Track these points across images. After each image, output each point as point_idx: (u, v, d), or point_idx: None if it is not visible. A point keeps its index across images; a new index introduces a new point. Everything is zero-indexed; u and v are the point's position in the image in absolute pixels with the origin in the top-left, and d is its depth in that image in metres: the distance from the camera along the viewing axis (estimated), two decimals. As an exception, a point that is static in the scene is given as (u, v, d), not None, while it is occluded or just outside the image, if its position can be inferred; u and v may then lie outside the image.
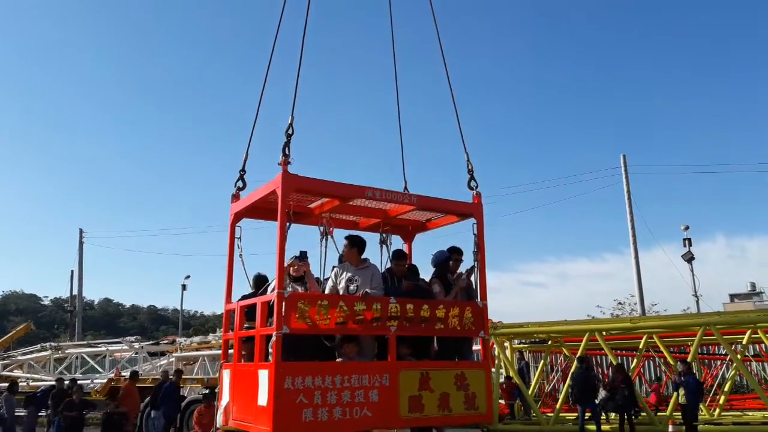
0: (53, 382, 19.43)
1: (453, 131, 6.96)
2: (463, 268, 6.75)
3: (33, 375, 23.84)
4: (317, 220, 6.89)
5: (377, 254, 7.02)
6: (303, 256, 5.85)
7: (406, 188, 7.18)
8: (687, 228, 28.97)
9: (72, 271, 37.53)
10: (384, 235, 7.08)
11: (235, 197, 6.63)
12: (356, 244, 6.10)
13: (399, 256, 6.40)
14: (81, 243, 35.83)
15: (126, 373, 21.58)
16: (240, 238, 6.57)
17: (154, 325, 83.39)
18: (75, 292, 37.86)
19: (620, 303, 35.17)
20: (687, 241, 28.94)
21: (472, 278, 6.57)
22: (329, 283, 6.17)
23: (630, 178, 28.70)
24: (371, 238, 7.18)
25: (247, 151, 6.66)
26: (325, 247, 6.60)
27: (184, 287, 37.13)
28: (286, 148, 5.56)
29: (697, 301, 29.14)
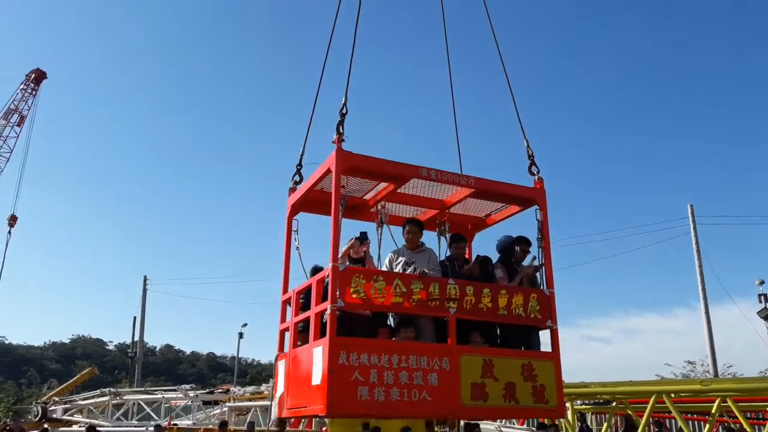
0: (111, 428, 19.50)
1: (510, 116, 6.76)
2: (527, 262, 6.41)
3: (92, 420, 24.20)
4: (372, 216, 6.78)
5: (436, 246, 6.78)
6: (363, 237, 5.73)
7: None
8: (762, 283, 26.90)
9: (135, 317, 38.45)
10: (442, 227, 6.83)
11: (292, 190, 6.64)
12: (422, 228, 6.01)
13: (458, 239, 6.18)
14: (144, 290, 36.65)
15: (179, 422, 21.44)
16: (297, 231, 6.54)
17: (212, 372, 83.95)
18: (137, 338, 38.74)
19: (691, 362, 32.95)
20: (763, 297, 26.82)
21: (538, 276, 6.22)
22: (384, 269, 5.97)
23: (699, 230, 27.09)
24: (430, 236, 6.98)
25: (303, 147, 6.72)
26: (381, 235, 6.46)
27: (240, 335, 36.99)
28: (340, 127, 5.55)
29: (775, 363, 26.56)
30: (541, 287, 6.06)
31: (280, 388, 5.86)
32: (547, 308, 5.84)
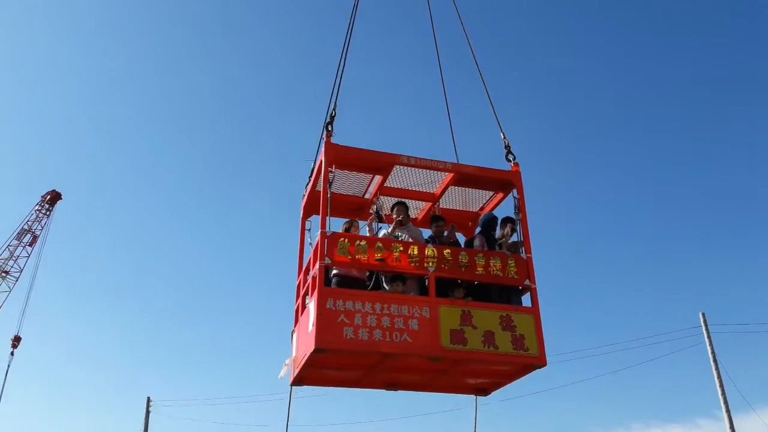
0: None
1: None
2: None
3: None
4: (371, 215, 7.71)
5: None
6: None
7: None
8: (784, 389, 24.30)
9: (136, 442, 36.72)
10: (436, 218, 7.61)
11: (305, 197, 7.76)
12: (408, 209, 6.92)
13: (437, 219, 6.95)
14: (148, 412, 34.95)
15: None
16: (310, 230, 7.59)
17: (219, 497, 78.25)
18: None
19: None
20: (787, 405, 24.09)
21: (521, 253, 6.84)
22: None
23: (714, 337, 25.23)
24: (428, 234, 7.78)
25: (314, 162, 7.89)
26: (378, 227, 7.31)
27: (251, 458, 34.75)
28: (329, 126, 6.70)
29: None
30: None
31: (293, 355, 6.66)
32: (524, 270, 6.45)
